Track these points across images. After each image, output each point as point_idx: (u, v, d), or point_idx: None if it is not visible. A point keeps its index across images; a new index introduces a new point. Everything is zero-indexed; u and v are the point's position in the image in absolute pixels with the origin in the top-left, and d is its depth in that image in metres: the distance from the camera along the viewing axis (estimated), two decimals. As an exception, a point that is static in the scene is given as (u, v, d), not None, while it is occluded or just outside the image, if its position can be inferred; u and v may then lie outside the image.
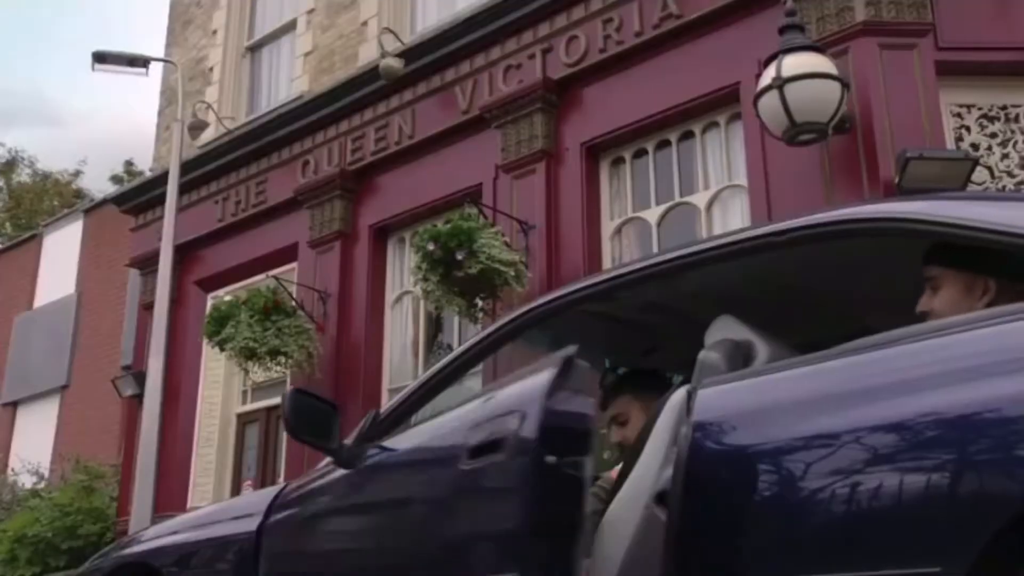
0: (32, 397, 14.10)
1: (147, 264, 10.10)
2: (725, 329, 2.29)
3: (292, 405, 2.36)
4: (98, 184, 23.88)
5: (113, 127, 38.22)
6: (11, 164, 26.82)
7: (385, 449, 2.44)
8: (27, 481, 12.45)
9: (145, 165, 15.81)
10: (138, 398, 9.45)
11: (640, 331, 2.91)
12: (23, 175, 26.89)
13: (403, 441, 2.44)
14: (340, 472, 2.48)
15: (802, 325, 2.55)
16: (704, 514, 1.83)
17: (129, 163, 22.97)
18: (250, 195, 9.40)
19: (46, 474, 12.55)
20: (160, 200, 9.49)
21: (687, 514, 1.83)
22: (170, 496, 8.72)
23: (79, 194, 24.37)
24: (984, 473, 1.53)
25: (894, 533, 1.58)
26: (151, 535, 3.20)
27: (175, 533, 3.03)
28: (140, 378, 9.40)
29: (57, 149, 38.69)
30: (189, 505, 8.77)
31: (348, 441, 2.48)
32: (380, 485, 2.45)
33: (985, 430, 1.55)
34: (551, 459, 1.89)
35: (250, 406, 9.39)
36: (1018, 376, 1.56)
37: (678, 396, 2.14)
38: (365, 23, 9.07)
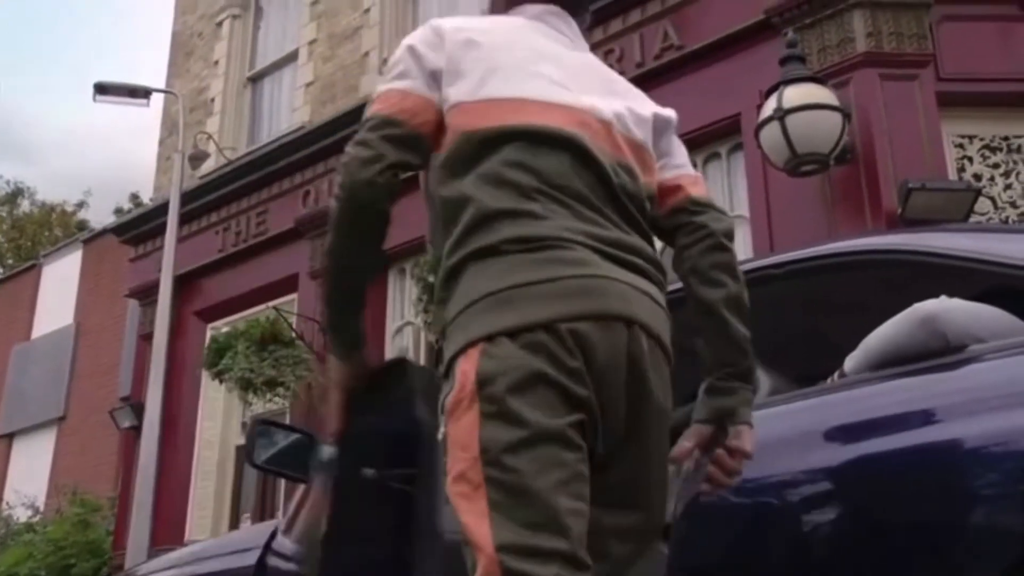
0: (28, 428, 14.02)
1: (146, 295, 10.07)
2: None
3: (254, 435, 2.36)
4: (102, 216, 23.94)
5: (119, 158, 38.49)
6: (14, 195, 26.95)
7: None
8: (22, 515, 12.32)
9: (147, 196, 15.83)
10: (136, 430, 9.39)
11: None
12: (25, 206, 27.03)
13: None
14: None
15: (804, 357, 2.52)
16: (706, 549, 1.80)
17: (135, 196, 23.02)
18: (251, 225, 9.39)
19: (41, 507, 12.43)
20: (160, 230, 9.48)
21: (688, 549, 1.79)
22: (167, 530, 8.63)
23: (82, 225, 24.43)
24: (991, 508, 1.50)
25: (898, 569, 1.55)
26: (147, 570, 3.16)
27: (172, 568, 2.98)
28: (138, 409, 9.34)
29: (62, 181, 38.96)
30: (187, 539, 8.66)
31: None
32: None
33: (993, 463, 1.52)
34: (369, 472, 1.62)
35: (249, 438, 9.31)
36: (1022, 409, 1.54)
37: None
38: (366, 54, 9.11)
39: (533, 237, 1.39)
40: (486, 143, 1.48)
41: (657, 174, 1.63)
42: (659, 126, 1.67)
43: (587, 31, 1.81)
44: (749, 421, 1.54)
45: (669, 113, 1.73)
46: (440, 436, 1.39)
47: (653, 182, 1.60)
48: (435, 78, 1.55)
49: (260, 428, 2.42)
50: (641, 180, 1.55)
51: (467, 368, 1.35)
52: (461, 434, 1.32)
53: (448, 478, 1.33)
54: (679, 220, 1.62)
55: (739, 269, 1.61)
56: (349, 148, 1.52)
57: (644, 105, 1.68)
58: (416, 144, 1.53)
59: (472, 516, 1.28)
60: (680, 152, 1.72)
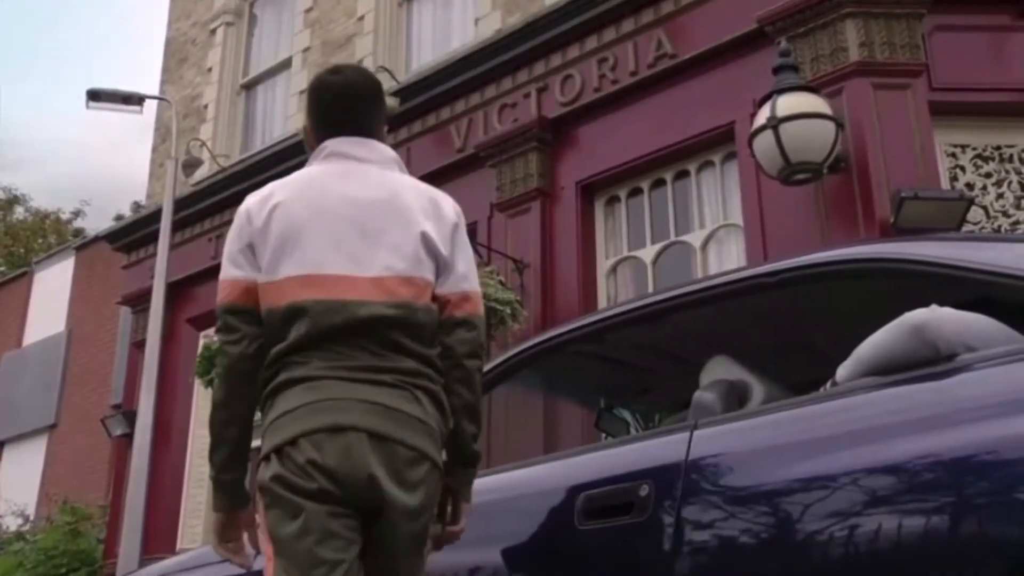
0: (19, 436, 13.94)
1: (139, 302, 10.04)
2: (720, 369, 2.27)
3: None
4: (103, 224, 23.85)
5: (122, 165, 38.41)
6: (9, 203, 26.85)
7: None
8: (12, 523, 12.25)
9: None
10: (128, 437, 9.34)
11: (634, 371, 2.88)
12: (19, 213, 26.93)
13: None
14: None
15: (798, 365, 2.52)
16: (697, 558, 1.80)
17: (138, 204, 22.92)
18: (243, 233, 9.35)
19: (32, 516, 12.35)
20: (152, 237, 9.45)
21: (681, 558, 1.79)
22: (159, 538, 8.59)
23: (78, 233, 24.33)
24: (982, 517, 1.49)
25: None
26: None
27: (160, 577, 2.96)
28: (130, 417, 9.29)
29: (60, 189, 38.84)
30: (178, 548, 8.62)
31: None
32: None
33: (983, 472, 1.53)
34: None
35: (241, 446, 9.26)
36: (1015, 417, 1.53)
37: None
38: (360, 61, 9.10)
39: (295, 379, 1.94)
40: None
41: (438, 287, 2.06)
42: (440, 238, 2.09)
43: (389, 132, 2.29)
44: (468, 498, 2.08)
45: (451, 219, 2.15)
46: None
47: (426, 297, 2.03)
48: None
49: None
50: (413, 306, 1.99)
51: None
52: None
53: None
54: (440, 334, 2.04)
55: (477, 380, 2.07)
56: None
57: (416, 227, 2.06)
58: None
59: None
60: (461, 260, 2.12)
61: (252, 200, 2.10)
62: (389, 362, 1.94)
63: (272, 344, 1.97)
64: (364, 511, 1.86)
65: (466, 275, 2.11)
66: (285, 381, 1.94)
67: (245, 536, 2.08)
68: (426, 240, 2.05)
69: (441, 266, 2.08)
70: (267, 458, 1.91)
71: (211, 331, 9.46)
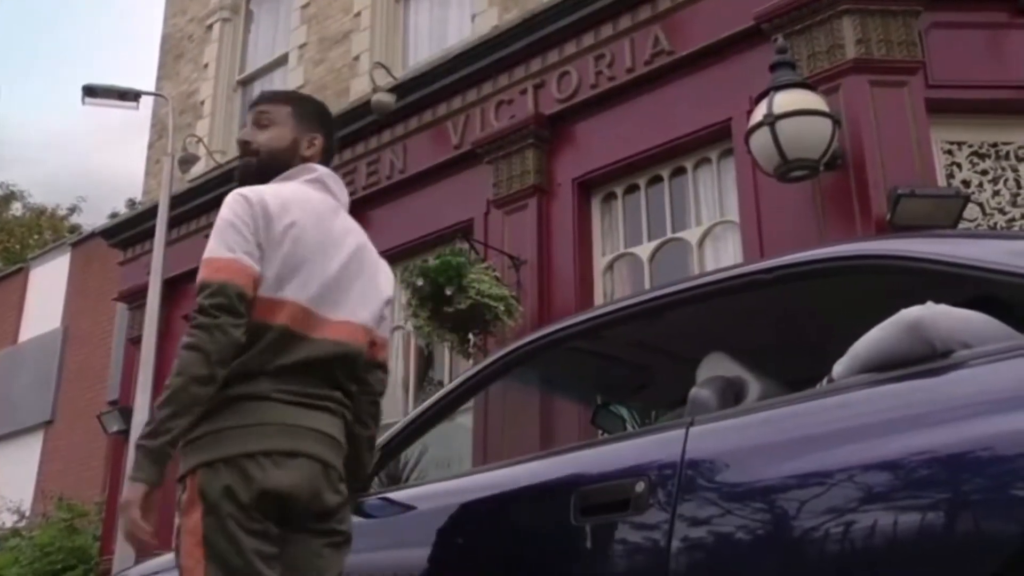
0: (14, 433, 13.91)
1: (135, 298, 10.02)
2: (716, 366, 2.27)
3: None
4: (98, 220, 23.79)
5: (119, 161, 38.34)
6: (6, 199, 26.78)
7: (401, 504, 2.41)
8: (8, 520, 12.23)
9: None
10: (124, 434, 9.33)
11: (631, 368, 2.88)
12: (15, 209, 26.85)
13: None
14: None
15: (794, 362, 2.52)
16: (694, 556, 1.80)
17: (132, 201, 22.86)
18: (240, 229, 9.34)
19: (27, 512, 12.34)
20: (149, 234, 9.44)
21: (679, 555, 1.79)
22: (155, 535, 8.57)
23: (74, 229, 24.26)
24: (978, 513, 1.50)
25: (887, 574, 1.56)
26: (135, 575, 3.12)
27: (159, 573, 2.95)
28: (126, 413, 9.28)
29: (58, 185, 38.75)
30: (174, 544, 8.60)
31: None
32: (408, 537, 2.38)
33: (979, 468, 1.53)
34: None
35: (237, 442, 9.26)
36: (1011, 414, 1.53)
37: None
38: (357, 58, 9.10)
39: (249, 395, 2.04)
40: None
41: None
42: (387, 301, 2.32)
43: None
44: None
45: (389, 290, 2.35)
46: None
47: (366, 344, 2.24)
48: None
49: None
50: (362, 351, 2.20)
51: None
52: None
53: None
54: (365, 371, 2.24)
55: (380, 417, 2.35)
56: None
57: (384, 292, 2.31)
58: None
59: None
60: (386, 314, 2.32)
61: (270, 200, 2.10)
62: (327, 391, 2.10)
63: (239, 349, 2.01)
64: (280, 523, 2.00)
65: (386, 321, 2.33)
66: (243, 394, 2.01)
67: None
68: (387, 304, 2.31)
69: (380, 318, 2.30)
70: (212, 464, 1.95)
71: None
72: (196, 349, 1.98)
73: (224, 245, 2.04)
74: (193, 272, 8.95)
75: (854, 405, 1.79)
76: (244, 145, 2.31)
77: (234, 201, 2.09)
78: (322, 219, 2.18)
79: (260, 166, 2.26)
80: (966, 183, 5.72)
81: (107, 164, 38.70)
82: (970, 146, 5.83)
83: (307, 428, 2.03)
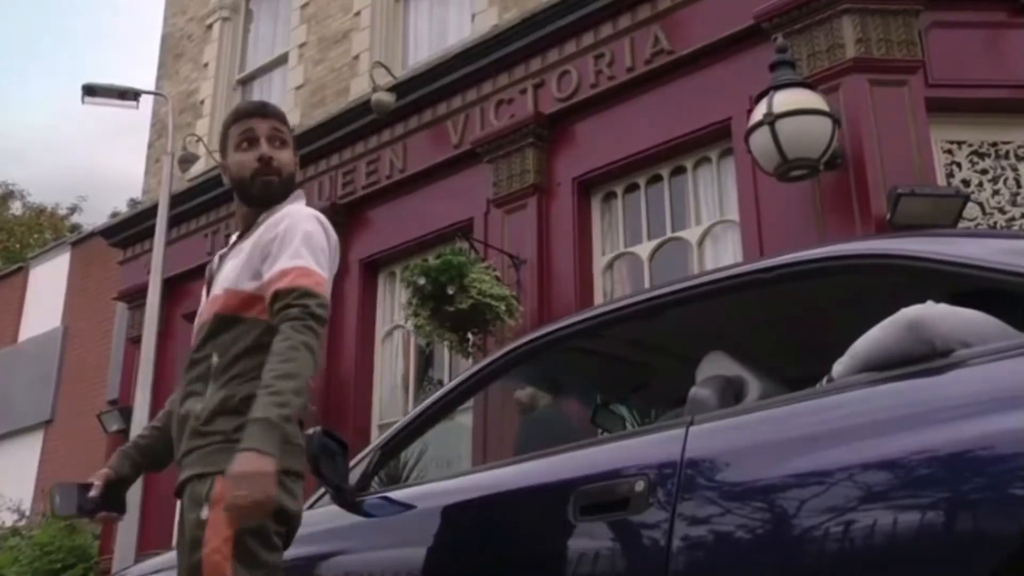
0: (14, 432, 13.90)
1: (135, 297, 10.03)
2: (716, 365, 2.27)
3: (320, 445, 2.27)
4: (97, 220, 23.76)
5: (114, 162, 38.30)
6: (5, 198, 26.76)
7: (400, 503, 2.41)
8: (8, 519, 12.23)
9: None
10: (124, 433, 9.32)
11: (631, 367, 2.88)
12: (15, 208, 26.84)
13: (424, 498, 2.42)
14: (343, 514, 2.42)
15: (793, 361, 2.52)
16: (694, 555, 1.80)
17: (134, 201, 22.86)
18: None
19: (27, 511, 12.34)
20: (149, 233, 9.44)
21: (678, 555, 1.79)
22: (154, 534, 8.58)
23: (74, 229, 24.24)
24: (978, 513, 1.50)
25: (886, 572, 1.56)
26: (134, 574, 3.12)
27: (159, 572, 2.95)
28: (126, 413, 9.28)
29: (58, 184, 38.71)
30: (174, 543, 8.60)
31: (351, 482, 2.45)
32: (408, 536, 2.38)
33: (979, 468, 1.53)
34: None
35: (236, 441, 9.26)
36: (1011, 413, 1.54)
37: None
38: (357, 57, 9.10)
39: None
40: None
41: None
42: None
43: None
44: None
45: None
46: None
47: None
48: None
49: (322, 440, 2.32)
50: None
51: None
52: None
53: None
54: None
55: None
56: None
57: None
58: None
59: None
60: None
61: (332, 233, 2.27)
62: None
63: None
64: None
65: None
66: None
67: None
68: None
69: None
70: (300, 476, 2.09)
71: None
72: (312, 352, 2.03)
73: (317, 263, 2.15)
74: (193, 271, 8.86)
75: (854, 404, 1.79)
76: (267, 162, 2.31)
77: (320, 224, 2.22)
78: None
79: (282, 186, 2.32)
80: (966, 182, 5.72)
81: (107, 163, 38.73)
82: (970, 145, 5.83)
83: (302, 448, 2.15)
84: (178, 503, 2.28)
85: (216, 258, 2.45)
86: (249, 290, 2.17)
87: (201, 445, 2.07)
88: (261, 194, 2.31)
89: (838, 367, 1.95)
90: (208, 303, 2.29)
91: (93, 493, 2.30)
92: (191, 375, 2.20)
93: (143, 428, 2.45)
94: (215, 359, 2.14)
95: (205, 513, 1.99)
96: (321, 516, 2.48)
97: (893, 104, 5.63)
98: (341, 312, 8.21)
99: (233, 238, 2.43)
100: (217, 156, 10.31)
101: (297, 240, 2.14)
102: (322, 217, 2.26)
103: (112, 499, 2.35)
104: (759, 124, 5.31)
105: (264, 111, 2.41)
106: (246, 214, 2.38)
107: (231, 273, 2.23)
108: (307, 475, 2.18)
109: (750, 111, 5.53)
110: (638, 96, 6.85)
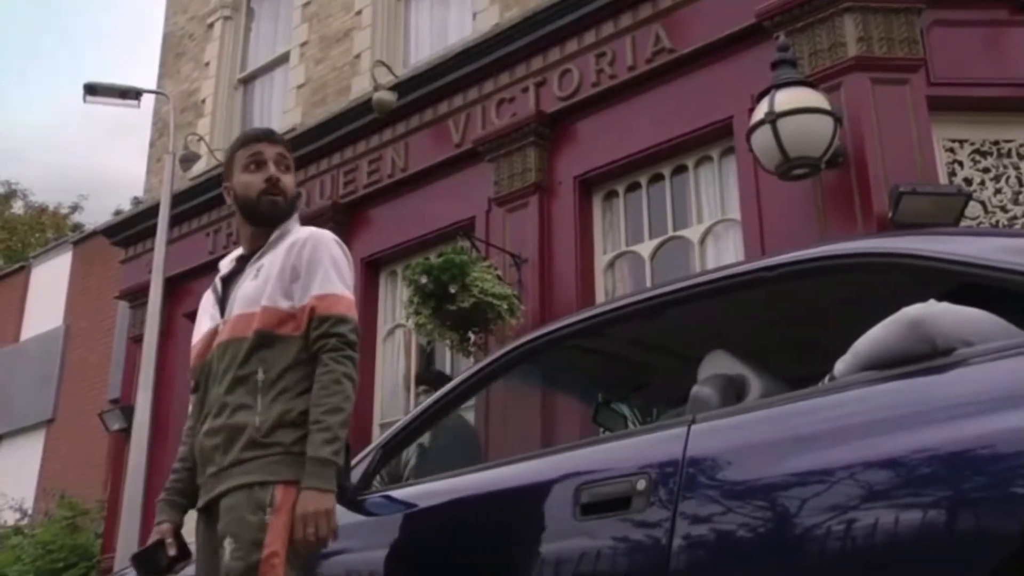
0: (16, 431, 13.92)
1: (136, 296, 10.03)
2: (718, 364, 2.27)
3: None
4: (99, 219, 23.71)
5: (115, 161, 38.28)
6: (7, 197, 26.77)
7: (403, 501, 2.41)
8: (10, 518, 12.24)
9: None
10: (125, 432, 9.33)
11: (632, 366, 2.88)
12: (17, 207, 26.85)
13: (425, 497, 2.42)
14: (345, 512, 2.42)
15: (795, 360, 2.52)
16: (695, 553, 1.80)
17: (137, 199, 22.80)
18: (241, 228, 9.33)
19: (29, 510, 12.35)
20: (150, 232, 9.44)
21: (680, 554, 1.79)
22: (156, 532, 8.58)
23: (76, 228, 24.21)
24: (979, 511, 1.50)
25: (885, 572, 1.57)
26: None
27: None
28: (128, 412, 9.28)
29: (61, 183, 38.74)
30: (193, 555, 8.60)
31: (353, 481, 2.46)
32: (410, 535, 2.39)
33: (980, 466, 1.53)
34: None
35: (238, 440, 9.26)
36: (1012, 411, 1.53)
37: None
38: (358, 56, 9.10)
39: None
40: None
41: None
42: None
43: None
44: None
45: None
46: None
47: None
48: None
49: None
50: None
51: None
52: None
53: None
54: None
55: None
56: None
57: None
58: None
59: None
60: None
61: (348, 251, 2.47)
62: None
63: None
64: None
65: None
66: None
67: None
68: None
69: None
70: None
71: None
72: (352, 381, 2.27)
73: (347, 286, 2.38)
74: (195, 270, 8.87)
75: (856, 403, 1.79)
76: (275, 182, 2.47)
77: (341, 248, 2.42)
78: None
79: (287, 207, 2.49)
80: (968, 181, 5.71)
81: (108, 163, 38.72)
82: (972, 144, 5.82)
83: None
84: (198, 516, 2.37)
85: (218, 280, 2.52)
86: (285, 308, 2.33)
87: (261, 455, 2.22)
88: (268, 212, 2.45)
89: (840, 366, 1.95)
90: (239, 319, 2.36)
91: (172, 552, 2.42)
92: (240, 390, 2.31)
93: (171, 473, 2.61)
94: (261, 374, 2.28)
95: (268, 518, 2.17)
96: None
97: (895, 102, 5.62)
98: (342, 311, 8.19)
99: (231, 257, 2.56)
100: (219, 154, 10.24)
101: (326, 265, 2.34)
102: (339, 240, 2.46)
103: (181, 548, 2.47)
104: (760, 123, 5.30)
105: (272, 137, 2.57)
106: (252, 234, 2.50)
107: (259, 291, 2.35)
108: None
109: (751, 110, 5.53)
110: (639, 95, 6.84)
